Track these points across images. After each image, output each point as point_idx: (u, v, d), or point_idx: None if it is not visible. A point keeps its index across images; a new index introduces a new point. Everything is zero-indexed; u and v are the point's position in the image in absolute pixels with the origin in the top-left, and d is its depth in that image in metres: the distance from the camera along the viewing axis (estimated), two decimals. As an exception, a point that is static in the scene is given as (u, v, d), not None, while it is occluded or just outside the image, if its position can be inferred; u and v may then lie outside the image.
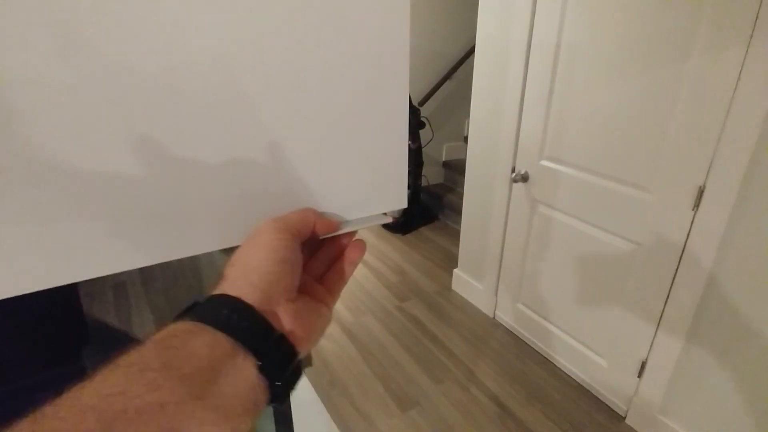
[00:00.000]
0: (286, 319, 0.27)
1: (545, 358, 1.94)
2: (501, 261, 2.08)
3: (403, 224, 3.12)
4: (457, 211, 2.53)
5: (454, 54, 3.36)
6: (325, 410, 0.80)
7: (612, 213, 1.51)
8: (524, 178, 1.82)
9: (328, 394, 1.73)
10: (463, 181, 2.21)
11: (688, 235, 1.30)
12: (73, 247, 0.27)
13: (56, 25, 0.23)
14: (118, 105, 0.26)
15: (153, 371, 0.20)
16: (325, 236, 0.34)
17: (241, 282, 0.26)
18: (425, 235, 3.13)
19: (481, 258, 2.20)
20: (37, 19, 0.23)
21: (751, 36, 1.07)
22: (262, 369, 0.24)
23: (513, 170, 1.88)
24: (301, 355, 0.27)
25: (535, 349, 1.98)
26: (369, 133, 0.36)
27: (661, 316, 1.43)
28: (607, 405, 1.69)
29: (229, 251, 0.29)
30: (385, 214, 0.39)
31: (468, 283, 2.33)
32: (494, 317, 2.20)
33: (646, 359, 1.51)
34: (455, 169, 3.50)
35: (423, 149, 3.01)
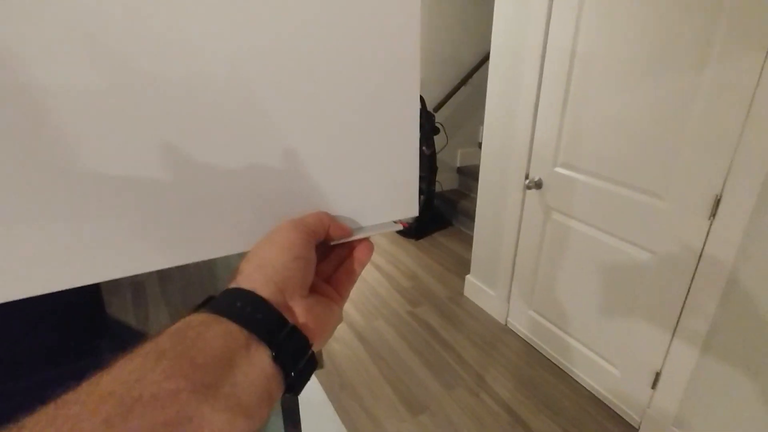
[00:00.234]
0: (299, 312, 0.27)
1: (557, 366, 1.92)
2: (514, 267, 2.07)
3: (416, 229, 3.12)
4: (471, 216, 2.53)
5: (469, 60, 3.36)
6: (335, 413, 0.81)
7: (626, 221, 1.49)
8: (538, 185, 1.81)
9: (338, 396, 1.74)
10: (477, 187, 2.21)
11: (704, 243, 1.28)
12: (98, 248, 0.28)
13: (87, 37, 0.25)
14: (143, 111, 0.27)
15: (169, 360, 0.21)
16: (337, 242, 0.35)
17: (255, 276, 0.27)
18: (438, 240, 3.13)
19: (493, 264, 2.20)
20: (71, 31, 0.25)
21: (770, 44, 1.06)
22: (276, 359, 0.24)
23: (527, 177, 1.87)
24: (314, 348, 0.28)
25: (546, 357, 1.97)
26: (379, 142, 0.36)
27: (676, 326, 1.41)
28: (619, 415, 1.67)
29: (245, 254, 0.31)
30: (396, 221, 0.40)
31: (480, 289, 2.32)
32: (506, 324, 2.19)
33: (661, 369, 1.48)
34: (469, 174, 3.50)
35: (437, 155, 3.01)
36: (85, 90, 0.26)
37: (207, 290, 0.29)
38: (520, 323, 2.10)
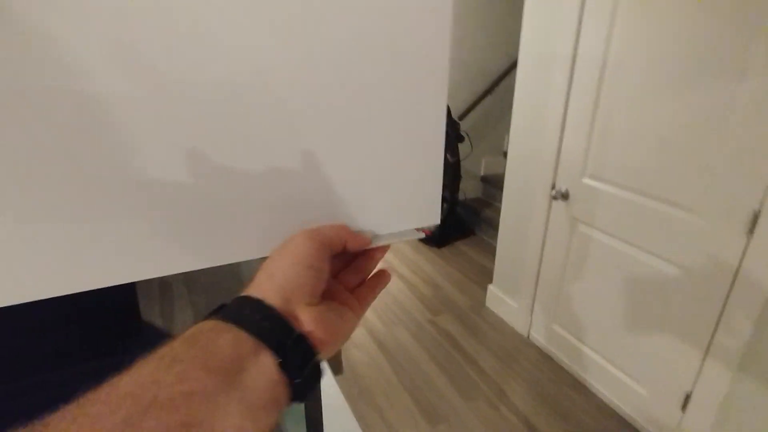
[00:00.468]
0: (306, 320, 0.28)
1: (580, 382, 1.86)
2: (537, 279, 2.03)
3: (438, 237, 3.10)
4: (494, 226, 2.50)
5: (495, 68, 3.34)
6: (354, 419, 0.80)
7: (657, 235, 1.45)
8: (564, 196, 1.78)
9: (356, 403, 1.74)
10: (501, 196, 2.18)
11: (741, 260, 1.23)
12: (128, 249, 0.29)
13: (119, 46, 0.26)
14: (173, 117, 0.28)
15: (182, 363, 0.22)
16: (357, 251, 0.35)
17: (266, 285, 0.28)
18: (460, 249, 3.10)
19: (516, 275, 2.16)
20: (105, 42, 0.26)
21: (815, 54, 1.01)
22: (282, 366, 0.25)
23: (553, 187, 1.84)
24: (322, 356, 0.28)
25: (569, 372, 1.91)
26: (405, 149, 0.36)
27: (709, 345, 1.35)
28: (647, 436, 1.61)
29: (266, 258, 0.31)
30: (418, 229, 0.40)
31: (502, 300, 2.29)
32: (528, 336, 2.14)
33: (692, 390, 1.42)
34: (493, 183, 3.46)
35: (461, 163, 2.99)
36: (124, 97, 0.27)
37: (231, 291, 0.30)
38: (542, 336, 2.06)
